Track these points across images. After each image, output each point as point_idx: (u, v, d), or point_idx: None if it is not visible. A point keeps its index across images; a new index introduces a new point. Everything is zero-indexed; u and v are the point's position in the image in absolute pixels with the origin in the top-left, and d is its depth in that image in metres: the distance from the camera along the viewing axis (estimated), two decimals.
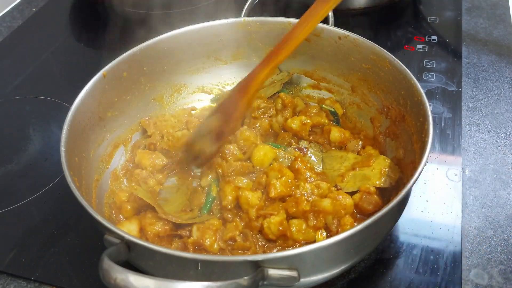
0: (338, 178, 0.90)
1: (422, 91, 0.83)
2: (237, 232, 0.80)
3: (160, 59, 1.04)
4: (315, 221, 0.80)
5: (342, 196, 0.81)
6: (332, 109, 1.03)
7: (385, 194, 0.86)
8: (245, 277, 0.60)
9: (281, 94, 1.06)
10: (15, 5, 1.59)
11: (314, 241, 0.80)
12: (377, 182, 0.86)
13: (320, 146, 0.98)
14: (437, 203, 0.92)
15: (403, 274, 0.82)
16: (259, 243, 0.81)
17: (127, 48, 0.99)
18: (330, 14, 1.07)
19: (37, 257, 0.88)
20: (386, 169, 0.87)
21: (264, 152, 0.89)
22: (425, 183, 0.95)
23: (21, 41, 1.44)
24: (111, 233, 0.67)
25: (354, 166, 0.91)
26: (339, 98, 1.07)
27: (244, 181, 0.87)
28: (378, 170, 0.87)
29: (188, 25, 1.05)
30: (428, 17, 1.38)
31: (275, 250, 0.80)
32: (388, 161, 0.88)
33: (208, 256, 0.73)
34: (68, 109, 0.86)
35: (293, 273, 0.63)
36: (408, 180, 0.71)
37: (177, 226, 0.84)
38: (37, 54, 1.38)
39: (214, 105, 1.10)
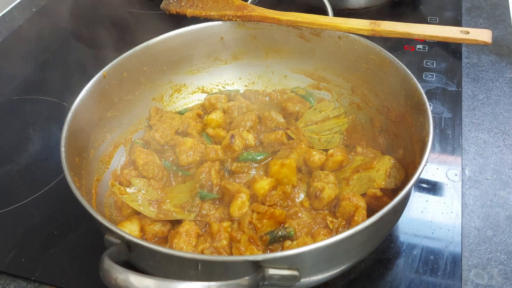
0: (344, 181, 0.90)
1: (422, 91, 0.83)
2: (207, 245, 0.80)
3: (160, 59, 1.04)
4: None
5: (356, 198, 0.83)
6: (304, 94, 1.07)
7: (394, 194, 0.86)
8: (246, 277, 0.60)
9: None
10: (15, 5, 1.59)
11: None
12: (382, 183, 0.85)
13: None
14: (437, 203, 0.92)
15: (403, 274, 0.82)
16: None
17: (127, 48, 0.99)
18: (330, 14, 1.07)
19: (37, 257, 0.88)
20: (391, 170, 0.87)
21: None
22: (425, 183, 0.95)
23: (21, 41, 1.44)
24: (112, 233, 0.67)
25: (358, 168, 0.91)
26: (339, 98, 1.07)
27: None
28: (383, 171, 0.87)
29: (188, 25, 1.05)
30: (428, 17, 1.38)
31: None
32: (393, 161, 0.88)
33: (208, 256, 0.73)
34: (68, 109, 0.86)
35: (294, 273, 0.63)
36: (408, 180, 0.71)
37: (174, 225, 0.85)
38: (37, 54, 1.38)
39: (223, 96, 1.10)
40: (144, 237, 0.84)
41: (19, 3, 1.60)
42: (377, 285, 0.81)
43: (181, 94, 1.11)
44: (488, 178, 0.97)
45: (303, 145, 0.94)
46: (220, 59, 1.11)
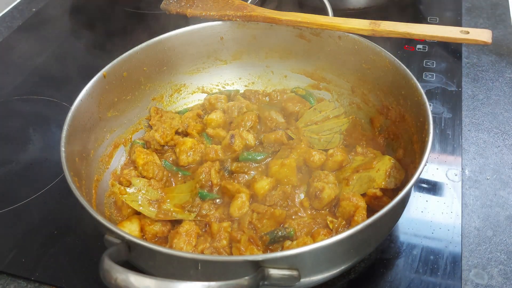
0: (344, 181, 0.90)
1: (422, 91, 0.83)
2: (207, 245, 0.81)
3: (160, 59, 1.04)
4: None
5: (356, 198, 0.83)
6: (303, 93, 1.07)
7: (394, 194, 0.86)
8: (246, 277, 0.60)
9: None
10: (15, 5, 1.59)
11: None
12: (382, 183, 0.85)
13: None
14: (437, 203, 0.92)
15: (403, 274, 0.82)
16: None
17: (127, 48, 0.99)
18: (330, 14, 1.07)
19: (37, 257, 0.88)
20: (391, 170, 0.86)
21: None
22: (425, 183, 0.95)
23: (21, 41, 1.44)
24: (112, 233, 0.67)
25: (358, 168, 0.91)
26: (339, 98, 1.07)
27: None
28: (383, 171, 0.86)
29: (188, 25, 1.05)
30: (428, 17, 1.39)
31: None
32: (393, 161, 0.88)
33: (208, 256, 0.73)
34: (68, 109, 0.86)
35: (294, 273, 0.63)
36: (408, 180, 0.71)
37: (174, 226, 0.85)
38: (37, 54, 1.38)
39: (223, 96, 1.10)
40: (144, 237, 0.84)
41: (19, 3, 1.60)
42: (377, 285, 0.81)
43: (181, 94, 1.11)
44: (488, 178, 0.97)
45: (303, 145, 0.94)
46: (220, 59, 1.11)
